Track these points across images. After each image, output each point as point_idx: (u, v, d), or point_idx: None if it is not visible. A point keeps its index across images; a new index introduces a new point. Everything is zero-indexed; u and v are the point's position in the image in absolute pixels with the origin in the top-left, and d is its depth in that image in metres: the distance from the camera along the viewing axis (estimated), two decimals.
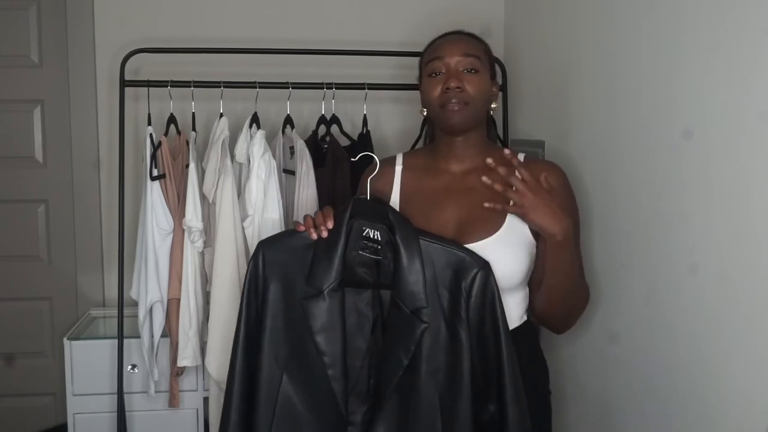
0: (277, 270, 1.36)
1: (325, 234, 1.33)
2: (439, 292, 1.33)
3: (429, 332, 1.31)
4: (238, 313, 1.38)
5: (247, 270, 1.38)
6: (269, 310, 1.35)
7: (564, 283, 1.43)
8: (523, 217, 1.37)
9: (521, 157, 1.50)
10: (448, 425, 1.31)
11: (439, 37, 1.52)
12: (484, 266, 1.33)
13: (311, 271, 1.33)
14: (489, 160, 1.37)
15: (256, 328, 1.36)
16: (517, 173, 1.36)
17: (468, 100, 1.43)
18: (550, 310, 1.47)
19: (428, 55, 1.49)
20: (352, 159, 1.65)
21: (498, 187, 1.36)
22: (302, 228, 1.36)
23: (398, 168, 1.54)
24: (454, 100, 1.42)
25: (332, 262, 1.32)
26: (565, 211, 1.37)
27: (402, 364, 1.30)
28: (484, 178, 1.37)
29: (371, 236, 1.34)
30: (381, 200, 1.39)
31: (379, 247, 1.33)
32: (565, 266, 1.40)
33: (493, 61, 1.53)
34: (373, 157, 1.46)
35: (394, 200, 1.50)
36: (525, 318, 1.49)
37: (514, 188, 1.35)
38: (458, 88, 1.42)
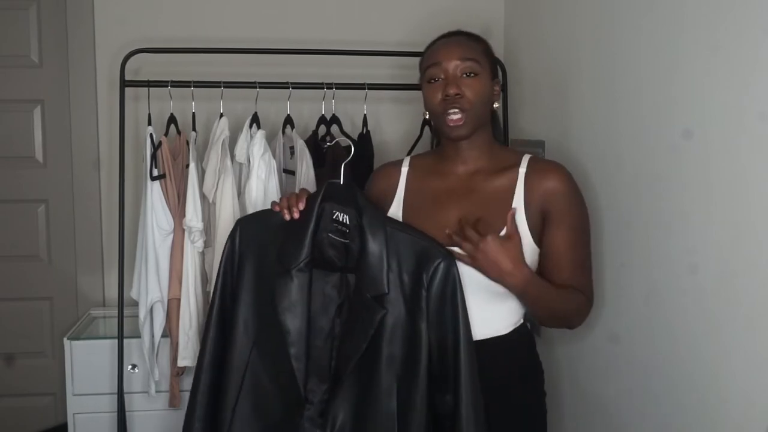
0: (253, 247, 1.41)
1: (296, 215, 1.38)
2: (402, 280, 1.35)
3: (389, 319, 1.33)
4: (213, 288, 1.44)
5: (225, 244, 1.42)
6: (244, 286, 1.40)
7: (547, 312, 1.45)
8: (473, 265, 1.37)
9: (526, 158, 1.49)
10: (404, 411, 1.33)
11: (437, 40, 1.51)
12: (447, 257, 1.34)
13: (281, 250, 1.37)
14: (447, 231, 1.39)
15: (231, 303, 1.41)
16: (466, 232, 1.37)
17: (467, 106, 1.41)
18: (545, 324, 1.54)
19: (427, 60, 1.47)
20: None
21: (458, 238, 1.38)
22: (278, 208, 1.41)
23: (404, 169, 1.54)
24: (454, 109, 1.40)
25: (301, 242, 1.35)
26: (519, 265, 1.36)
27: (360, 348, 1.32)
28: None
29: (340, 219, 1.37)
30: (353, 185, 1.41)
31: (348, 230, 1.36)
32: (539, 304, 1.42)
33: (493, 60, 1.51)
34: (351, 144, 1.50)
35: (399, 199, 1.51)
36: (521, 321, 1.48)
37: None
38: (457, 94, 1.40)
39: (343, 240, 1.37)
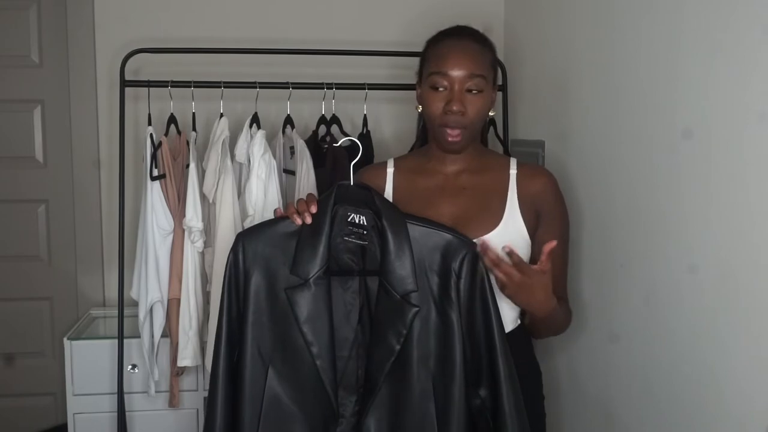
0: (259, 261, 1.32)
1: (309, 220, 1.30)
2: (428, 275, 1.31)
3: (419, 317, 1.29)
4: (219, 310, 1.34)
5: (227, 263, 1.32)
6: (251, 304, 1.31)
7: (544, 327, 1.48)
8: (503, 293, 1.34)
9: (513, 160, 1.50)
10: (442, 410, 1.30)
11: (446, 37, 1.45)
12: (473, 247, 1.32)
13: (295, 260, 1.30)
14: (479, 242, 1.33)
15: (238, 324, 1.33)
16: (504, 256, 1.33)
17: (468, 124, 1.39)
18: (536, 335, 1.54)
19: (433, 64, 1.42)
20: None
21: (490, 264, 1.31)
22: (283, 213, 1.33)
23: (390, 170, 1.52)
24: (453, 126, 1.39)
25: (317, 249, 1.29)
26: (550, 295, 1.35)
27: (394, 350, 1.27)
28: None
29: (357, 221, 1.31)
30: (366, 185, 1.36)
31: (365, 232, 1.31)
32: (544, 323, 1.45)
33: (497, 68, 1.48)
34: (357, 144, 1.43)
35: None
36: (519, 322, 1.48)
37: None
38: (460, 111, 1.38)
39: (360, 242, 1.32)
